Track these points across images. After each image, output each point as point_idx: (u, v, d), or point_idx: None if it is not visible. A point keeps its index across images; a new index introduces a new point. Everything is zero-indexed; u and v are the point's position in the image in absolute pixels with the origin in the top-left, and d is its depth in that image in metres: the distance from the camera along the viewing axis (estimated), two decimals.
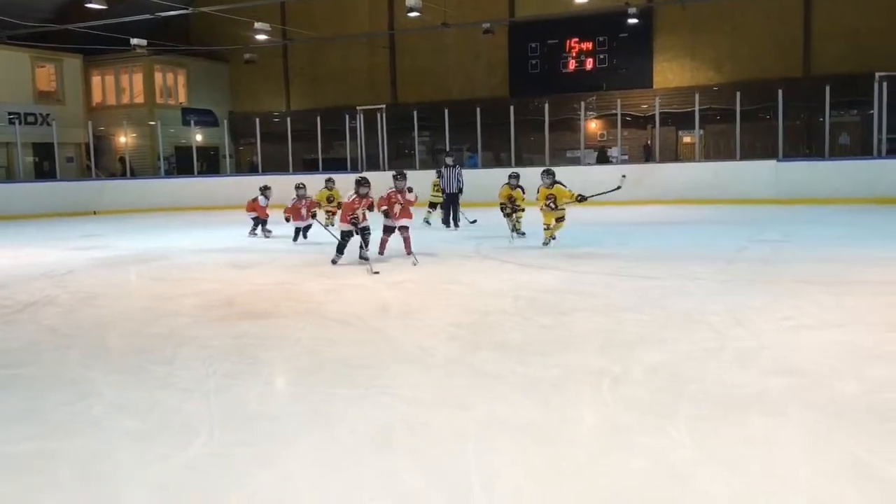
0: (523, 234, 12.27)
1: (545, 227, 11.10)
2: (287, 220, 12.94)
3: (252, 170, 26.31)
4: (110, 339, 6.29)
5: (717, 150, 24.14)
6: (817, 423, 3.81)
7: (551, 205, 10.92)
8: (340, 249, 9.91)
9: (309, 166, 24.75)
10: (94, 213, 21.13)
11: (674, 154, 25.14)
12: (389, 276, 8.90)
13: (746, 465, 3.34)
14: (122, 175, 25.15)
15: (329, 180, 14.24)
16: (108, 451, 3.75)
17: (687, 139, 25.13)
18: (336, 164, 23.32)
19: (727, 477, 3.23)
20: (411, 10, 21.92)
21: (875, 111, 18.18)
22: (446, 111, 21.17)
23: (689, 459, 3.42)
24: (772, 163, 18.60)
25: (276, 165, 23.93)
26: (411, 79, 28.21)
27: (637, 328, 6.01)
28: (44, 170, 24.99)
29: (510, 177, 12.47)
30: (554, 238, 11.14)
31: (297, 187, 12.94)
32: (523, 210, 12.30)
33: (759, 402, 4.15)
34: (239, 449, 3.70)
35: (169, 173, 25.93)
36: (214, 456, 3.64)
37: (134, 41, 22.65)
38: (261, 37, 23.40)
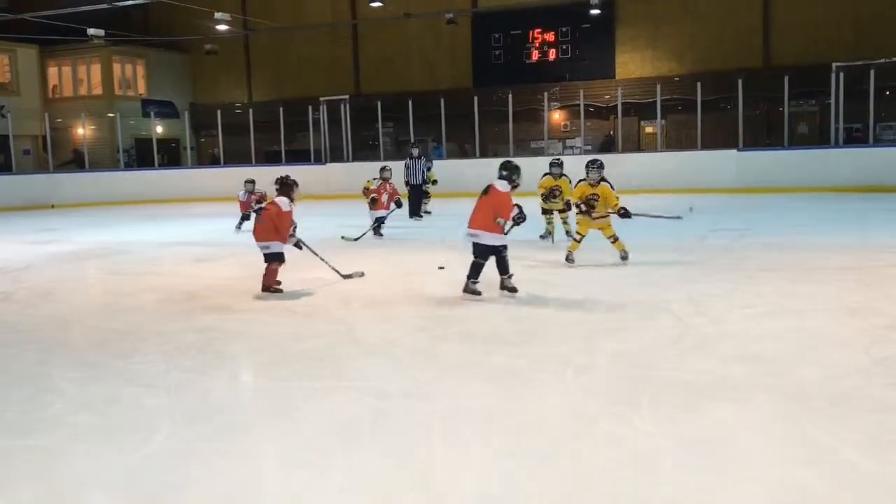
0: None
1: (577, 236, 8.59)
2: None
3: (213, 162, 25.96)
4: (69, 335, 6.17)
5: (678, 140, 24.37)
6: (778, 409, 3.87)
7: (584, 208, 8.39)
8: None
9: (271, 158, 24.50)
10: (52, 206, 20.71)
11: (636, 144, 25.33)
12: (353, 267, 8.84)
13: (709, 451, 3.38)
14: (75, 166, 24.61)
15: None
16: (68, 448, 3.68)
17: (649, 129, 25.34)
18: (299, 157, 23.12)
19: (690, 463, 3.27)
20: None
21: (832, 101, 18.50)
22: (410, 102, 21.10)
23: (653, 446, 3.45)
24: (732, 152, 18.85)
25: (238, 158, 23.66)
26: (375, 69, 28.03)
27: (601, 317, 6.06)
28: None
29: (553, 165, 10.20)
30: (625, 257, 8.47)
31: (383, 170, 12.03)
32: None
33: (721, 388, 4.20)
34: (201, 444, 3.65)
35: (129, 166, 25.51)
36: (176, 451, 3.58)
37: (91, 31, 22.13)
38: (221, 27, 23.08)
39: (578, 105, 21.61)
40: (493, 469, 3.27)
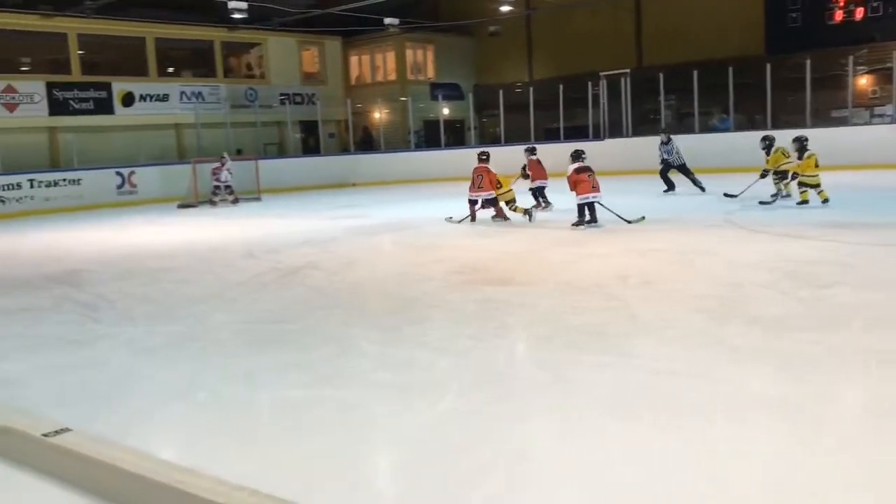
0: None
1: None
2: None
3: (494, 141, 26.85)
4: (368, 301, 6.79)
5: None
6: None
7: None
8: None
9: (550, 136, 24.80)
10: (353, 185, 22.70)
11: None
12: (630, 244, 8.75)
13: None
14: (364, 146, 26.65)
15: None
16: (369, 401, 4.08)
17: None
18: (578, 133, 23.14)
19: None
20: None
21: None
22: (695, 73, 20.22)
23: None
24: None
25: (518, 136, 24.23)
26: (657, 41, 27.15)
27: None
28: (309, 145, 27.21)
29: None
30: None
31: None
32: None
33: None
34: (486, 407, 3.87)
35: (418, 146, 27.19)
36: (464, 412, 3.84)
37: (387, 21, 23.90)
38: (505, 8, 23.70)
39: (891, 69, 19.31)
40: (779, 457, 3.11)
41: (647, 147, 17.90)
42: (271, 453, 3.44)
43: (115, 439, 3.40)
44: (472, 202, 11.68)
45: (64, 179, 18.38)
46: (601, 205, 10.29)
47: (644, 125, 24.09)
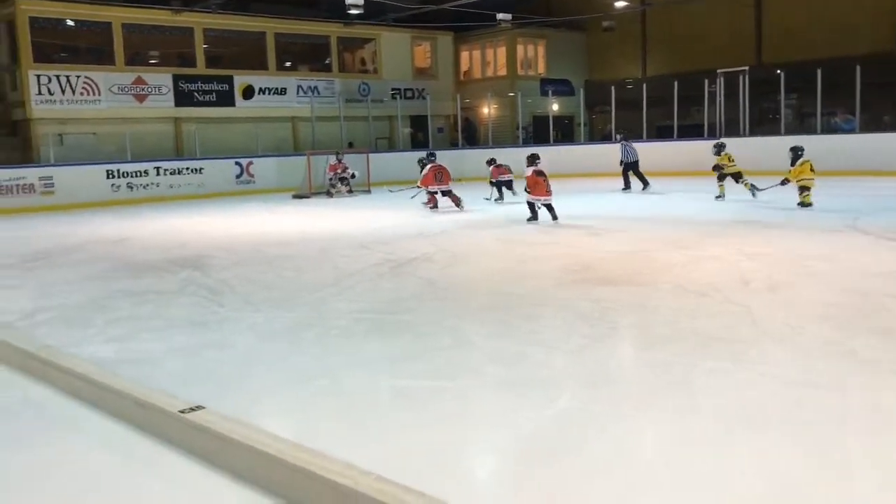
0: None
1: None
2: None
3: (605, 138, 26.46)
4: (480, 295, 6.83)
5: None
6: None
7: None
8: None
9: (663, 133, 24.24)
10: (460, 179, 22.82)
11: None
12: (746, 248, 8.47)
13: None
14: (471, 138, 26.74)
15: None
16: (484, 394, 4.13)
17: None
18: (692, 131, 22.54)
19: None
20: None
21: None
22: (818, 71, 19.33)
23: None
24: None
25: (629, 133, 23.81)
26: (778, 37, 26.11)
27: None
28: (418, 140, 27.53)
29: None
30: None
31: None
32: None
33: None
34: (599, 408, 3.84)
35: (526, 142, 27.08)
36: (576, 412, 3.82)
37: (500, 16, 23.89)
38: (619, 3, 23.28)
39: None
40: None
41: (765, 147, 17.30)
42: (389, 441, 3.52)
43: (243, 419, 3.55)
44: (433, 193, 14.11)
45: (187, 168, 19.30)
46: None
47: (762, 125, 23.25)
